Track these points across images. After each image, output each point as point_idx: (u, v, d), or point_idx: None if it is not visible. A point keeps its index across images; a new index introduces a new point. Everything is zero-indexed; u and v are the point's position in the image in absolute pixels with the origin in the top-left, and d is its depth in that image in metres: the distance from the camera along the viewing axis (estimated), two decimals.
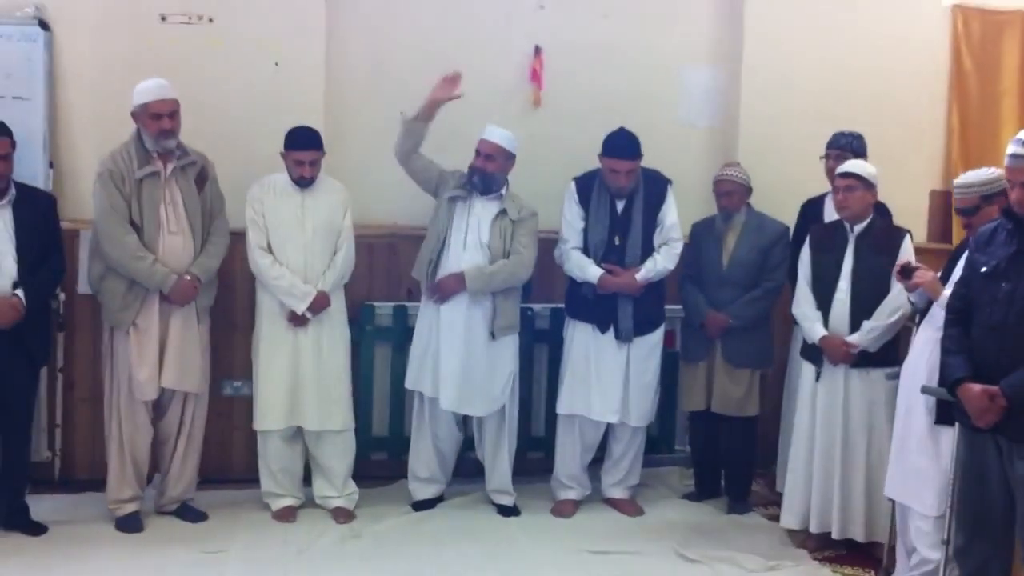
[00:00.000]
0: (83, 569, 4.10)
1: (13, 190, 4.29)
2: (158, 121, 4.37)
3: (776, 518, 4.67)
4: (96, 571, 4.09)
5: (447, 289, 4.66)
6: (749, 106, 5.49)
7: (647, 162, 4.83)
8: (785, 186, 5.15)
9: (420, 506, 4.83)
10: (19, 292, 4.22)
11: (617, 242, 4.77)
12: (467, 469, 4.98)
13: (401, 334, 5.10)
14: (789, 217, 4.99)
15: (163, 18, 5.04)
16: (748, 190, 4.89)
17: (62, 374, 4.91)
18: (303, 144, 4.60)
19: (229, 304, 4.93)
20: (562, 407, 4.87)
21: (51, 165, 4.92)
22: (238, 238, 4.68)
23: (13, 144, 4.28)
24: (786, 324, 4.91)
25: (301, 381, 4.63)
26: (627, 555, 4.41)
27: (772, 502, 4.98)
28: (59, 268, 4.49)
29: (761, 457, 5.11)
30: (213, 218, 4.58)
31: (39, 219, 4.36)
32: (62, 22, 4.96)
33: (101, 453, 4.57)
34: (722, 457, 5.03)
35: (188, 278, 4.43)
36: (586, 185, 4.81)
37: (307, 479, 4.80)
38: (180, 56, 4.99)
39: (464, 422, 4.87)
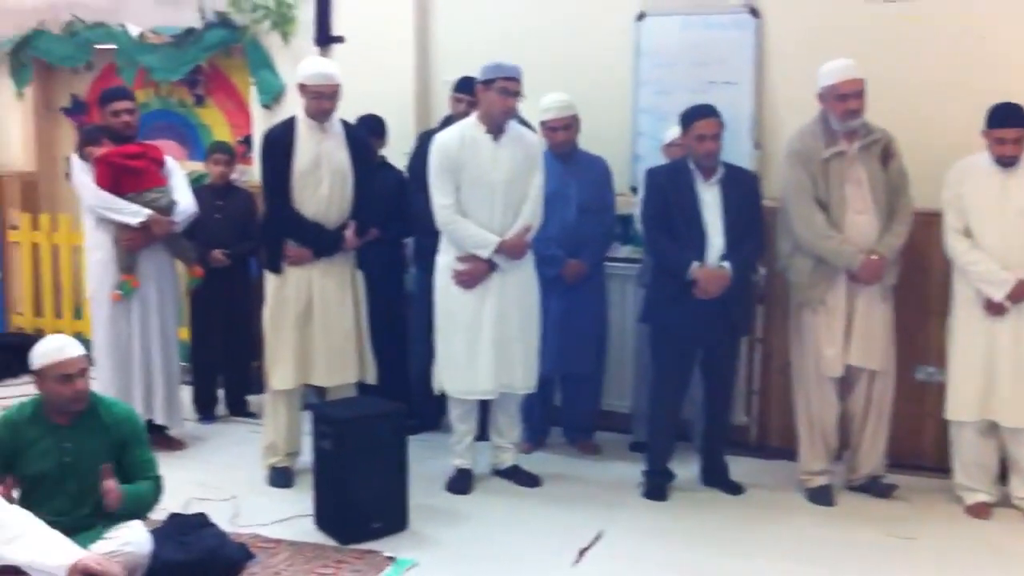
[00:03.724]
0: (775, 533, 4.32)
1: (722, 169, 4.58)
2: (843, 102, 4.40)
3: None
4: (787, 537, 4.28)
5: None
6: None
7: None
8: None
9: None
10: (725, 264, 4.51)
11: None
12: None
13: None
14: None
15: None
16: None
17: (761, 344, 5.20)
18: (1007, 121, 4.31)
19: (924, 287, 4.83)
20: None
21: (757, 146, 5.22)
22: (932, 220, 4.54)
23: (721, 125, 4.54)
24: None
25: (997, 373, 4.38)
26: None
27: None
28: (759, 244, 4.71)
29: None
30: (897, 196, 4.50)
31: (744, 196, 4.60)
32: (772, 8, 5.21)
33: (793, 422, 4.75)
34: None
35: (875, 257, 4.41)
36: None
37: (1003, 477, 4.55)
38: (877, 35, 4.97)
39: None
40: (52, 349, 3.62)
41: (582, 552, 4.11)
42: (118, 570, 3.37)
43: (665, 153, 5.03)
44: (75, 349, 3.65)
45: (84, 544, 3.40)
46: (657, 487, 4.68)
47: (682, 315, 4.54)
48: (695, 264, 4.49)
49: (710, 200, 4.55)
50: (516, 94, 4.53)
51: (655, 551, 4.13)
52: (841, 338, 4.51)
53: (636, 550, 4.15)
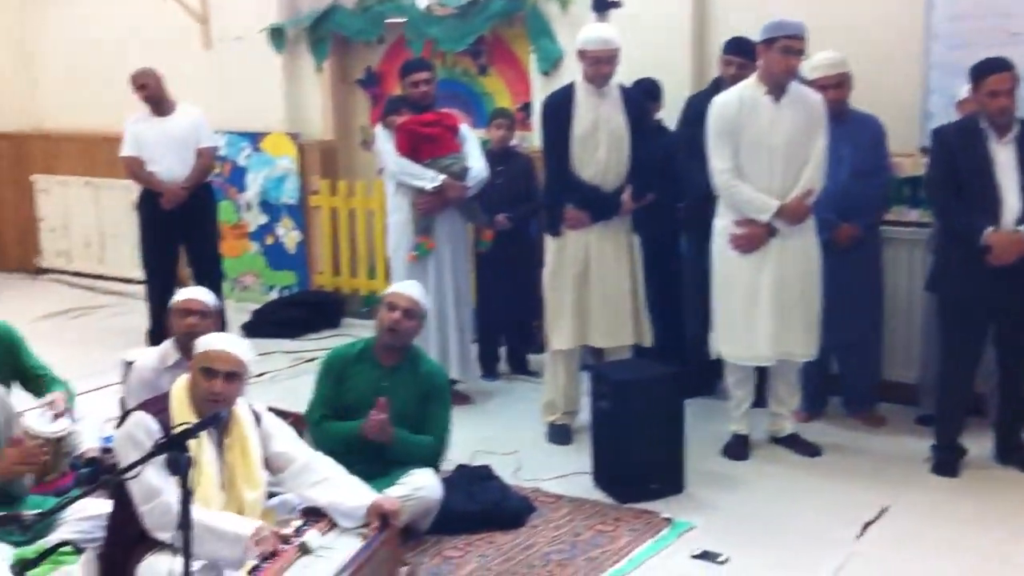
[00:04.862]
0: None
1: (1019, 126, 4.26)
2: None
3: None
4: None
5: None
6: None
7: None
8: None
9: None
10: (1022, 228, 4.22)
11: None
12: None
13: None
14: None
15: None
16: None
17: None
18: None
19: None
20: None
21: None
22: None
23: (1017, 79, 4.22)
24: None
25: None
26: None
27: None
28: None
29: None
30: None
31: None
32: None
33: None
34: None
35: None
36: None
37: None
38: None
39: None
40: (397, 285, 4.28)
41: (866, 526, 4.01)
42: (407, 514, 3.66)
43: (959, 110, 4.73)
44: (411, 290, 4.19)
45: (379, 489, 3.68)
46: (947, 463, 4.46)
47: (973, 284, 4.28)
48: (989, 229, 4.22)
49: (1004, 160, 4.25)
50: (799, 53, 4.40)
51: (942, 530, 3.97)
52: None
53: (922, 528, 4.00)
